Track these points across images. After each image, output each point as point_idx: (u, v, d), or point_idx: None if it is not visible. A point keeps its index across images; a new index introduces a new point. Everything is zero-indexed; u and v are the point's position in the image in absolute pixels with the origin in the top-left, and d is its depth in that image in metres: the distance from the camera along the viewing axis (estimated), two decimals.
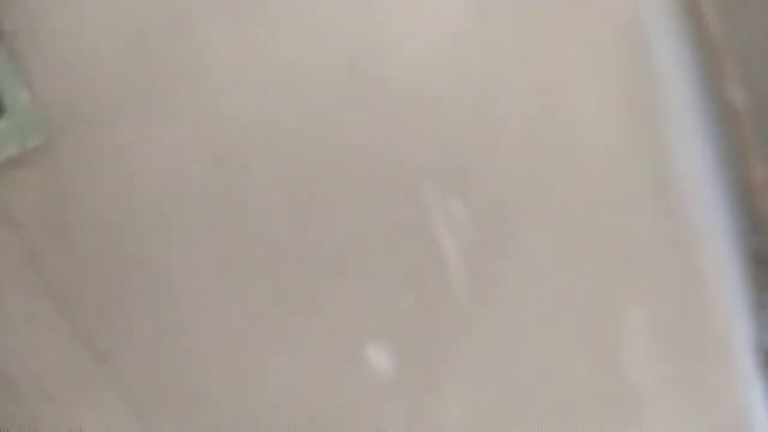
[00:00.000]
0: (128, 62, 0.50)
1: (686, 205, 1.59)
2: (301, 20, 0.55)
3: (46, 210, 0.48)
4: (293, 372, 0.58)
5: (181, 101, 0.52)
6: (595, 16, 0.91)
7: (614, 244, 1.01)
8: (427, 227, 0.67)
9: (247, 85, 0.53)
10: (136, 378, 0.54)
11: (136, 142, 0.51)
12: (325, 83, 0.58)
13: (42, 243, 0.48)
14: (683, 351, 1.38)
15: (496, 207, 0.73)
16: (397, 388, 0.62)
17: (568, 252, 0.87)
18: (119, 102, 0.50)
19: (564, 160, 0.86)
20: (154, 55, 0.51)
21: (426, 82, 0.66)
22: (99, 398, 0.53)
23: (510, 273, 0.76)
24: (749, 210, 2.42)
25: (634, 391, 1.09)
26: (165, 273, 0.53)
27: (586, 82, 0.94)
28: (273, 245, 0.57)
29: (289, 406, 0.59)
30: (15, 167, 0.47)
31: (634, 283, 1.10)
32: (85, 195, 0.50)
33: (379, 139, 0.63)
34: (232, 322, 0.56)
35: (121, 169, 0.51)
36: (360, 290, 0.62)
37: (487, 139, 0.72)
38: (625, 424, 1.04)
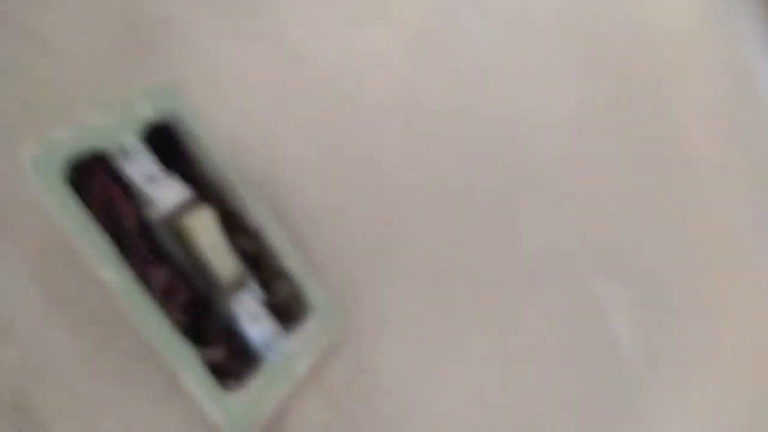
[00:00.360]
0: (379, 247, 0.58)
1: None
2: None
3: (354, 385, 0.53)
4: None
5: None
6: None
7: (755, 309, 1.10)
8: (599, 311, 0.75)
9: None
10: None
11: (398, 302, 0.58)
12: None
13: (357, 416, 0.52)
14: None
15: (655, 289, 0.82)
16: None
17: (718, 323, 0.95)
18: (383, 270, 0.57)
19: (709, 244, 0.97)
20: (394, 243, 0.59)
21: (590, 193, 0.77)
22: None
23: (673, 343, 0.83)
24: None
25: None
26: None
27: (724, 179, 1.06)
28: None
29: None
30: (325, 356, 0.52)
31: None
32: (379, 361, 0.55)
33: (555, 241, 0.73)
34: None
35: (399, 327, 0.57)
36: (546, 368, 0.68)
37: (643, 230, 0.82)
38: None
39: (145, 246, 0.47)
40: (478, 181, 0.73)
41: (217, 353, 0.49)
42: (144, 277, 0.45)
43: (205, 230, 0.46)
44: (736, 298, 1.04)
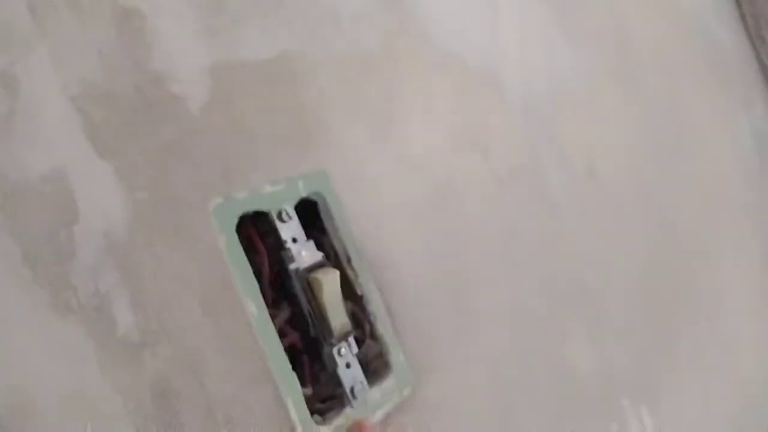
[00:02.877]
0: (458, 324, 0.60)
1: None
2: None
3: None
4: None
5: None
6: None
7: None
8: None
9: None
10: None
11: (461, 382, 0.59)
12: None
13: None
14: None
15: (676, 417, 0.80)
16: None
17: None
18: (454, 352, 0.59)
19: (727, 377, 0.94)
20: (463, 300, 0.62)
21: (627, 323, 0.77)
22: None
23: None
24: None
25: None
26: None
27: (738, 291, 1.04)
28: None
29: None
30: (397, 413, 0.54)
31: None
32: (440, 428, 0.56)
33: (591, 366, 0.73)
34: None
35: (458, 403, 0.58)
36: None
37: (669, 365, 0.81)
38: None
39: (274, 291, 0.52)
40: (546, 298, 0.75)
41: (307, 391, 0.51)
42: (271, 314, 0.49)
43: (330, 286, 0.50)
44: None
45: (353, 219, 0.58)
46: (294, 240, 0.52)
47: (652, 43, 1.24)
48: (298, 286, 0.51)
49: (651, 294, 0.90)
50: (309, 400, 0.52)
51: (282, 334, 0.51)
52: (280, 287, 0.52)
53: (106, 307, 0.41)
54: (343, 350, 0.52)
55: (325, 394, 0.54)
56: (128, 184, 0.45)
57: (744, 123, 1.70)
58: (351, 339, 0.53)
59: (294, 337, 0.52)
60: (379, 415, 0.52)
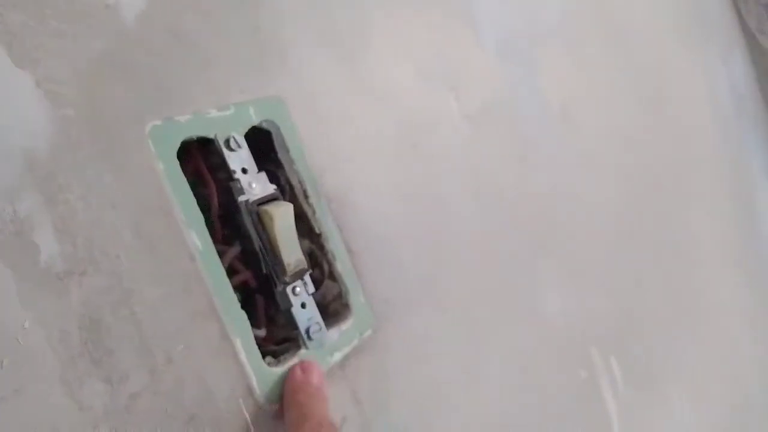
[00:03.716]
0: (424, 266, 0.58)
1: None
2: None
3: (376, 387, 0.52)
4: None
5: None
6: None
7: (736, 393, 1.05)
8: (595, 381, 0.72)
9: None
10: None
11: (426, 326, 0.57)
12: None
13: (373, 416, 0.51)
14: None
15: (644, 367, 0.79)
16: None
17: (699, 403, 0.91)
18: (415, 292, 0.57)
19: (695, 326, 0.94)
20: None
21: (604, 272, 0.75)
22: None
23: (655, 423, 0.80)
24: None
25: None
26: None
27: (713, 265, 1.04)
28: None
29: None
30: (356, 355, 0.51)
31: (760, 425, 1.12)
32: (401, 371, 0.54)
33: (563, 313, 0.71)
34: None
35: (422, 347, 0.56)
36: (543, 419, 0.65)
37: (637, 315, 0.80)
38: None
39: (224, 225, 0.48)
40: (516, 241, 0.73)
41: (260, 333, 0.48)
42: (218, 251, 0.46)
43: (283, 220, 0.47)
44: (717, 394, 0.99)
45: (311, 152, 0.54)
46: (244, 171, 0.48)
47: None
48: (248, 220, 0.47)
49: (624, 242, 0.88)
50: (263, 342, 0.49)
51: (233, 272, 0.48)
52: (232, 222, 0.49)
53: (26, 233, 0.37)
54: (298, 289, 0.48)
55: (280, 336, 0.51)
56: (53, 99, 0.40)
57: (722, 76, 1.68)
58: (307, 278, 0.49)
59: (246, 275, 0.48)
60: (336, 356, 0.49)
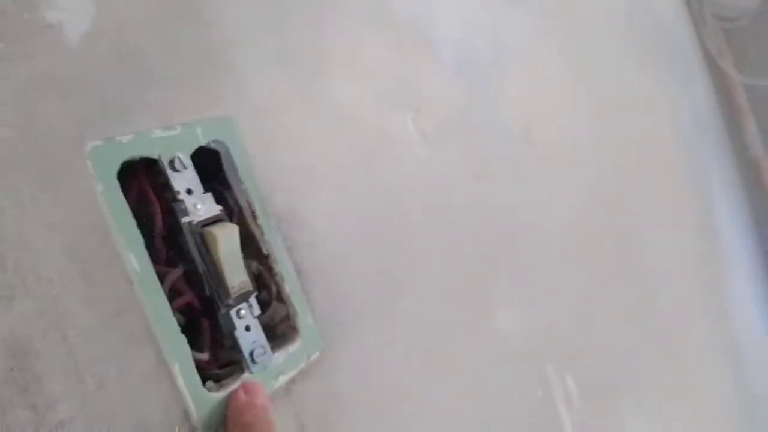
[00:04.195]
0: (377, 285, 0.58)
1: (750, 358, 1.65)
2: None
3: (323, 411, 0.51)
4: None
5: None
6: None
7: (691, 406, 1.06)
8: (551, 398, 0.72)
9: None
10: None
11: (378, 346, 0.57)
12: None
13: None
14: None
15: (599, 385, 0.80)
16: None
17: (654, 421, 0.92)
18: (367, 312, 0.57)
19: (651, 342, 0.95)
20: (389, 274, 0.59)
21: (560, 290, 0.76)
22: None
23: None
24: None
25: None
26: None
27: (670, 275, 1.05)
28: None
29: None
30: (302, 378, 0.51)
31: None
32: (351, 393, 0.53)
33: (519, 330, 0.71)
34: None
35: (373, 369, 0.55)
36: None
37: (593, 332, 0.81)
38: None
39: (168, 246, 0.48)
40: (472, 259, 0.73)
41: (203, 356, 0.48)
42: (160, 273, 0.45)
43: (227, 242, 0.46)
44: (675, 410, 1.00)
45: (261, 172, 0.54)
46: (189, 192, 0.48)
47: (593, 16, 1.23)
48: (191, 242, 0.46)
49: (582, 261, 0.89)
50: (206, 365, 0.48)
51: (176, 294, 0.47)
52: (176, 244, 0.48)
53: None
54: (242, 312, 0.48)
55: (225, 360, 0.50)
56: None
57: (683, 98, 1.72)
58: (252, 300, 0.49)
59: (190, 297, 0.48)
60: (282, 380, 0.49)
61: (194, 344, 0.47)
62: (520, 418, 0.70)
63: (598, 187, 1.01)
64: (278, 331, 0.53)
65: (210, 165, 0.51)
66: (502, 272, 0.76)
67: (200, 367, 0.47)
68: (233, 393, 0.45)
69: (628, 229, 1.07)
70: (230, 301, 0.47)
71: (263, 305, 0.52)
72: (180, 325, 0.46)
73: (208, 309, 0.48)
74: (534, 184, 0.87)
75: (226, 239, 0.46)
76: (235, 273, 0.47)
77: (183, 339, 0.44)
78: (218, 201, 0.50)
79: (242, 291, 0.47)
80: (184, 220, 0.47)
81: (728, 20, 2.05)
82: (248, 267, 0.51)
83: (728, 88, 2.17)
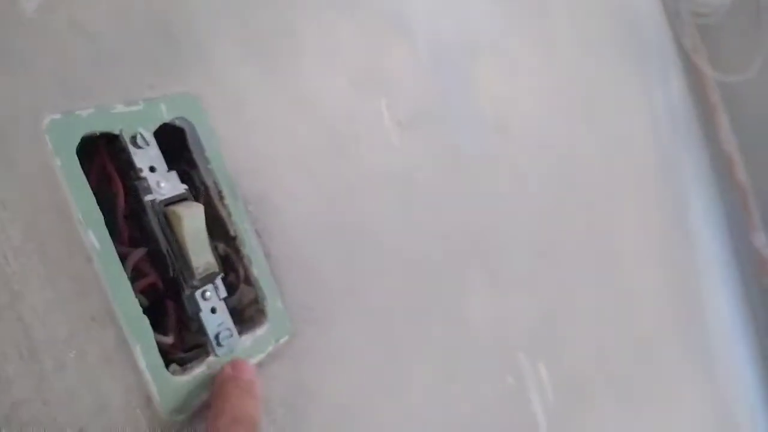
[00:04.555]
0: (349, 272, 0.57)
1: (719, 350, 1.68)
2: None
3: (291, 395, 0.50)
4: None
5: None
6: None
7: (664, 400, 1.08)
8: (522, 385, 0.73)
9: None
10: None
11: (349, 333, 0.56)
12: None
13: (286, 424, 0.49)
14: None
15: (572, 374, 0.80)
16: None
17: (628, 410, 0.93)
18: (339, 299, 0.56)
19: (624, 334, 0.96)
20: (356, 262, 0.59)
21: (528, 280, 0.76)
22: None
23: (583, 428, 0.81)
24: None
25: None
26: None
27: (639, 263, 1.06)
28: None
29: None
30: (270, 362, 0.50)
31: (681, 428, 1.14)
32: (320, 379, 0.53)
33: (489, 319, 0.71)
34: None
35: (344, 355, 0.55)
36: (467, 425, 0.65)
37: (567, 320, 0.81)
38: None
39: (131, 226, 0.46)
40: (444, 248, 0.73)
41: (167, 339, 0.46)
42: (122, 253, 0.44)
43: (191, 221, 0.45)
44: (646, 400, 1.01)
45: (230, 153, 0.52)
46: (152, 169, 0.47)
47: (569, 8, 1.24)
48: (154, 221, 0.45)
49: (554, 252, 0.90)
50: (171, 349, 0.47)
51: (139, 275, 0.46)
52: (138, 223, 0.47)
53: None
54: (208, 293, 0.47)
55: (192, 343, 0.49)
56: None
57: (658, 94, 1.75)
58: (218, 282, 0.48)
59: (154, 278, 0.47)
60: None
61: (159, 327, 0.46)
62: (490, 404, 0.70)
63: (570, 178, 1.02)
64: (246, 314, 0.52)
65: (175, 144, 0.50)
66: (474, 260, 0.76)
67: (165, 350, 0.46)
68: (221, 369, 0.45)
69: (601, 220, 1.08)
70: (195, 282, 0.46)
71: (231, 288, 0.51)
72: (144, 307, 0.45)
73: (173, 291, 0.46)
74: (506, 173, 0.87)
75: (191, 218, 0.45)
76: (201, 253, 0.46)
77: (145, 320, 0.43)
78: (184, 181, 0.49)
79: (208, 272, 0.46)
80: (147, 198, 0.45)
81: (703, 16, 2.08)
82: (215, 249, 0.50)
83: (702, 84, 2.20)
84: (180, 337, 0.49)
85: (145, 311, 0.44)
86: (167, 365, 0.44)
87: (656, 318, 1.23)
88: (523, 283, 0.82)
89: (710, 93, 2.19)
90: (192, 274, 0.45)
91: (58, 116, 0.42)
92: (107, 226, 0.43)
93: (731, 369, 1.80)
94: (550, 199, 0.94)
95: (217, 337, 0.47)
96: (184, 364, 0.46)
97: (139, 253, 0.46)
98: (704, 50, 2.18)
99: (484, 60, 0.92)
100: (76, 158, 0.42)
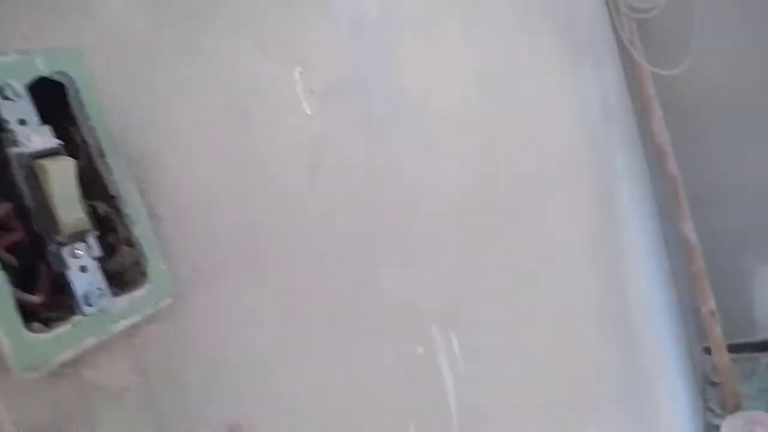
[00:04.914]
0: (246, 238, 0.56)
1: (642, 333, 1.73)
2: None
3: (166, 358, 0.49)
4: None
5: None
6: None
7: (579, 373, 1.10)
8: (433, 356, 0.73)
9: None
10: None
11: (242, 299, 0.55)
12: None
13: (161, 388, 0.48)
14: None
15: (484, 344, 0.81)
16: None
17: (540, 381, 0.95)
18: (228, 264, 0.55)
19: (538, 303, 0.97)
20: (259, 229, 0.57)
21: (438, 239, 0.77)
22: None
23: (492, 400, 0.82)
24: (701, 335, 2.56)
25: None
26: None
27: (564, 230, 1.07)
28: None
29: None
30: (149, 324, 0.48)
31: (595, 407, 1.18)
32: (205, 343, 0.52)
33: (401, 287, 0.71)
34: None
35: (234, 322, 0.54)
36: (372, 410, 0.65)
37: (479, 289, 0.82)
38: None
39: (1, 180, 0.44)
40: (354, 219, 0.73)
41: (33, 298, 0.44)
42: None
43: (60, 176, 0.43)
44: (559, 372, 1.04)
45: (114, 109, 0.50)
46: (22, 122, 0.44)
47: None
48: (19, 174, 0.43)
49: (470, 224, 0.90)
50: (39, 308, 0.45)
51: (5, 231, 0.44)
52: (5, 178, 0.44)
53: None
54: (78, 252, 0.45)
55: (65, 304, 0.47)
56: None
57: (593, 84, 1.78)
58: (92, 241, 0.46)
59: (20, 235, 0.44)
60: (122, 324, 0.46)
61: (30, 287, 0.44)
62: (397, 372, 0.70)
63: (493, 159, 1.02)
64: (128, 276, 0.50)
65: (56, 99, 0.47)
66: (386, 232, 0.75)
67: (33, 310, 0.44)
68: None
69: (524, 201, 1.10)
70: (62, 239, 0.44)
71: (111, 249, 0.49)
72: (12, 266, 0.43)
73: (38, 248, 0.44)
74: (426, 148, 0.87)
75: (59, 173, 0.43)
76: (69, 210, 0.44)
77: (1, 274, 0.40)
78: (64, 137, 0.47)
79: (78, 229, 0.44)
80: (13, 150, 0.43)
81: (641, 11, 2.13)
82: (94, 208, 0.48)
83: (638, 76, 2.26)
84: (54, 299, 0.47)
85: (17, 270, 0.42)
86: (32, 323, 0.42)
87: (577, 296, 1.26)
88: (438, 257, 0.83)
89: (646, 85, 2.25)
90: (58, 231, 0.43)
91: None
92: None
93: (652, 346, 1.87)
94: (470, 176, 0.95)
95: (86, 296, 0.45)
96: (48, 323, 0.44)
97: (3, 208, 0.43)
98: (640, 44, 2.24)
99: (409, 36, 0.91)
100: None
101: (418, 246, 0.79)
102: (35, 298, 0.45)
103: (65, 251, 0.44)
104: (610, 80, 2.05)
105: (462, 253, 0.86)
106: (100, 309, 0.46)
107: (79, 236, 0.45)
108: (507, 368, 0.91)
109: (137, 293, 0.49)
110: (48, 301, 0.46)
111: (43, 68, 0.46)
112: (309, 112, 0.71)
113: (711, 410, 2.62)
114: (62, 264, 0.44)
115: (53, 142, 0.45)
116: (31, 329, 0.42)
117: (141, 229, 0.50)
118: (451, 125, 0.94)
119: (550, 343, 1.06)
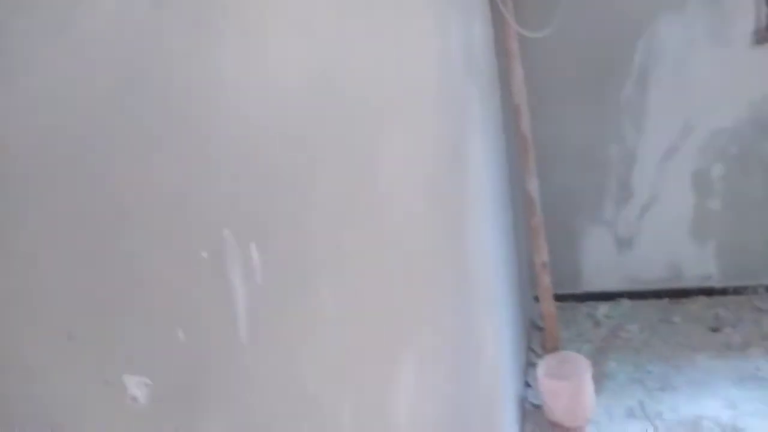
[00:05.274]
0: None
1: (479, 276, 1.77)
2: None
3: None
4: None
5: None
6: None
7: (403, 302, 1.10)
8: (222, 270, 0.68)
9: None
10: None
11: None
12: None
13: None
14: (452, 402, 1.47)
15: (290, 256, 0.79)
16: (153, 420, 0.57)
17: (353, 303, 0.94)
18: None
19: (367, 233, 0.96)
20: None
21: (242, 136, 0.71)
22: None
23: (292, 317, 0.80)
24: (533, 283, 2.72)
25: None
26: None
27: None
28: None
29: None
30: None
31: (413, 332, 1.19)
32: None
33: (190, 185, 0.66)
34: None
35: None
36: (132, 321, 0.58)
37: (299, 209, 0.79)
38: None
39: None
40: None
41: None
42: None
43: None
44: (375, 295, 1.05)
45: None
46: None
47: None
48: None
49: (295, 137, 0.87)
50: None
51: None
52: None
53: None
54: None
55: None
56: None
57: (458, 34, 1.79)
58: None
59: None
60: None
61: None
62: (178, 280, 0.64)
63: (337, 92, 0.99)
64: None
65: None
66: (174, 117, 0.68)
67: None
68: None
69: (364, 127, 1.08)
70: None
71: None
72: None
73: None
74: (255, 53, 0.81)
75: None
76: None
77: None
78: None
79: None
80: None
81: None
82: None
83: (505, 35, 2.32)
84: None
85: None
86: None
87: (413, 232, 1.27)
88: (246, 165, 0.78)
89: (511, 44, 2.32)
90: None
91: None
92: None
93: (485, 289, 1.99)
94: (306, 99, 0.90)
95: None
96: None
97: None
98: (511, 3, 2.29)
99: None
100: None
101: (212, 141, 0.71)
102: None
103: None
104: (477, 34, 2.08)
105: (280, 168, 0.82)
106: None
107: None
108: (317, 286, 0.89)
109: None
110: None
111: None
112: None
113: (533, 350, 2.89)
114: None
115: None
116: None
117: None
118: (287, 48, 0.88)
119: (378, 267, 1.06)
